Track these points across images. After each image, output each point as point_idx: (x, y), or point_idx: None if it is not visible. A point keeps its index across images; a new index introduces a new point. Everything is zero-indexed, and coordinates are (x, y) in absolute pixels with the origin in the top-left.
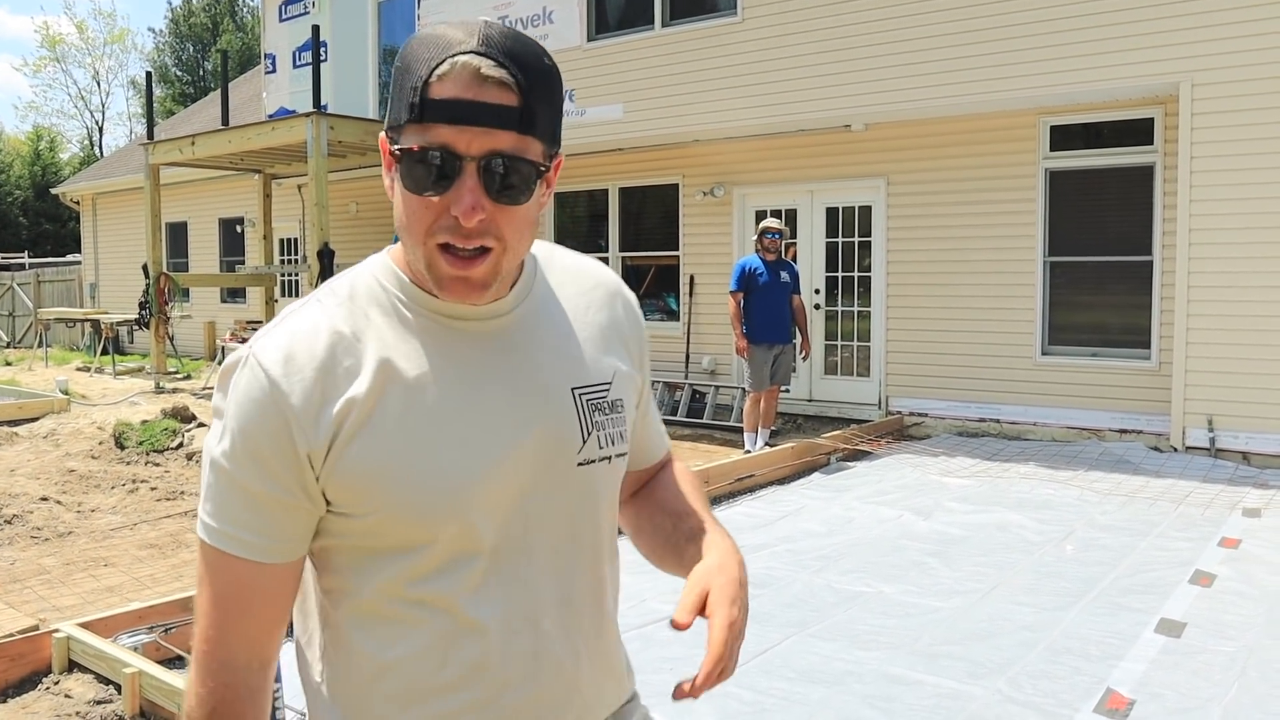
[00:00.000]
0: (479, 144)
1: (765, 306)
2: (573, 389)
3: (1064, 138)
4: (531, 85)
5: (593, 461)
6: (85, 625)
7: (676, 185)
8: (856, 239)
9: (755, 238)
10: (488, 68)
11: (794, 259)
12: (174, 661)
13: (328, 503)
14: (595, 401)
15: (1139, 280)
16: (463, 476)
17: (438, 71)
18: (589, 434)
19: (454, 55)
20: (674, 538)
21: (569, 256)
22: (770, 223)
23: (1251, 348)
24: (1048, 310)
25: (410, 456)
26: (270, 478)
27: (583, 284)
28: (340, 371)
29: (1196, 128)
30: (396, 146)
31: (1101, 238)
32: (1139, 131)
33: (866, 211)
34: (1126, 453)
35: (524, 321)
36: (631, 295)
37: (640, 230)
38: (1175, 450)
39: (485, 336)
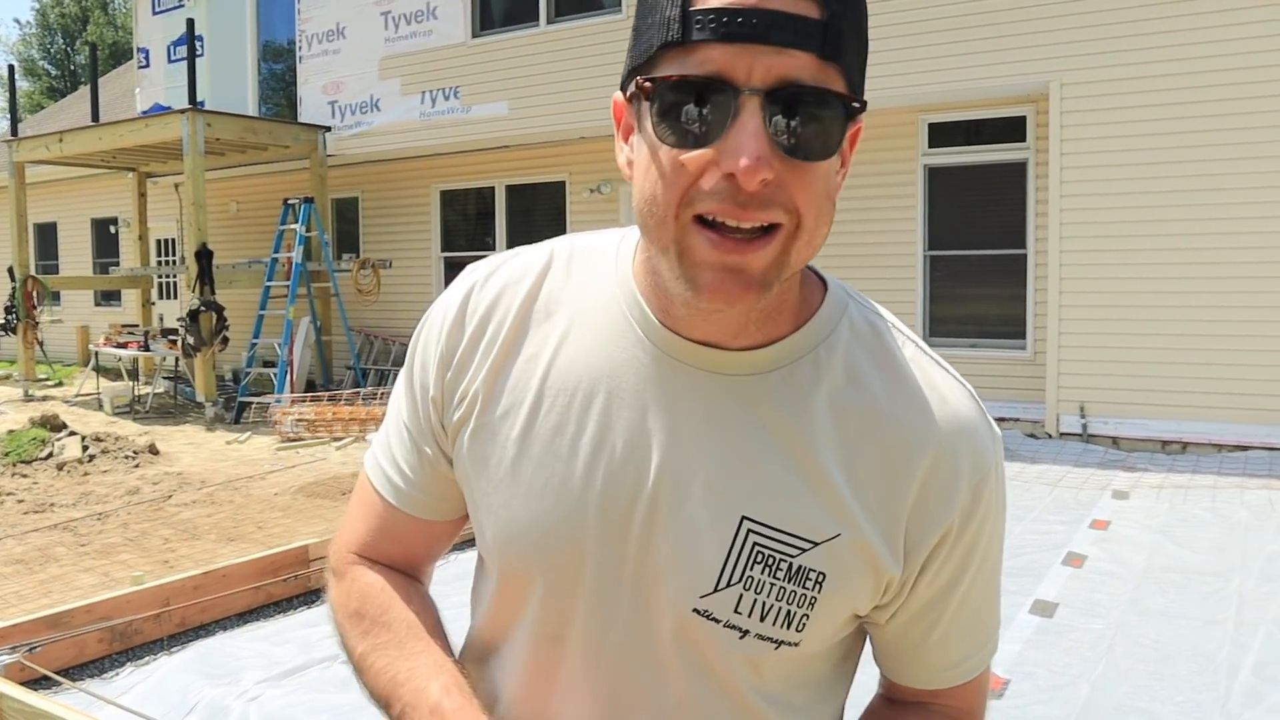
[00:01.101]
0: (764, 69)
1: None
2: (743, 516)
3: (942, 135)
4: None
5: (715, 620)
6: None
7: (564, 182)
8: None
9: None
10: None
11: None
12: (39, 683)
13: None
14: (767, 551)
15: (1014, 273)
16: (519, 530)
17: None
18: (728, 584)
19: None
20: None
21: (905, 354)
22: None
23: (1118, 336)
24: (928, 302)
25: (498, 481)
26: (413, 408)
27: (889, 408)
28: (506, 336)
29: (1066, 125)
30: (649, 77)
31: (979, 232)
32: (1013, 129)
33: None
34: (1004, 440)
35: (759, 399)
36: (983, 471)
37: (529, 227)
38: (1050, 436)
39: (697, 391)
